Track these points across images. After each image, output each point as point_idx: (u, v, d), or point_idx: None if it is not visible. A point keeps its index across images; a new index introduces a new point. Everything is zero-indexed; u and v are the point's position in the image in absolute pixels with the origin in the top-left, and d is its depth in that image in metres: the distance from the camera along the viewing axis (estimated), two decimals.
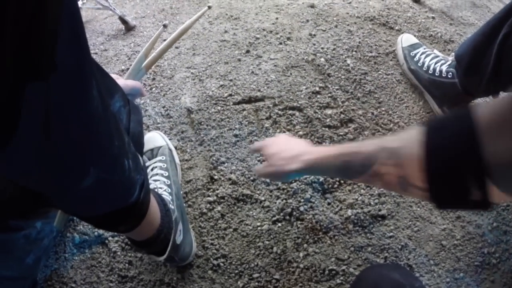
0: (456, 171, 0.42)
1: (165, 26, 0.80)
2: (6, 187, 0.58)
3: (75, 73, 0.37)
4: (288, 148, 0.69)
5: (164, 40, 0.86)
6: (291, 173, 0.65)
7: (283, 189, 0.93)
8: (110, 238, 0.90)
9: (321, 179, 0.94)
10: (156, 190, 0.82)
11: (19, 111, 0.33)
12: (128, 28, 1.33)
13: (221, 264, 0.86)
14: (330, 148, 0.61)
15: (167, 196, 0.81)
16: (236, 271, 0.85)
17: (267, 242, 0.88)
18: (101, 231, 0.91)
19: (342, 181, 0.96)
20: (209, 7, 0.85)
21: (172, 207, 0.79)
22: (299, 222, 0.90)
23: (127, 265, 0.87)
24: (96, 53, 1.28)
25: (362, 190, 0.95)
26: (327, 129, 1.02)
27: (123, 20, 1.31)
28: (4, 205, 0.66)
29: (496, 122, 0.40)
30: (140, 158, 0.59)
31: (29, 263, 0.84)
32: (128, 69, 0.78)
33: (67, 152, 0.40)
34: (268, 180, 0.93)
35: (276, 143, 0.73)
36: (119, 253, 0.88)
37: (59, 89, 0.35)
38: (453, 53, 1.03)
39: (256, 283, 0.84)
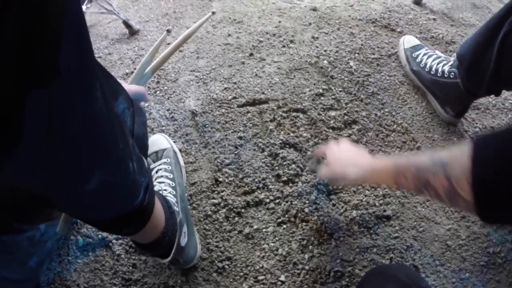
0: (502, 185, 0.43)
1: (168, 31, 0.79)
2: (10, 190, 0.57)
3: (78, 75, 0.36)
4: (349, 154, 0.74)
5: (168, 44, 0.85)
6: (350, 178, 0.70)
7: (288, 191, 0.92)
8: (114, 241, 0.88)
9: (326, 180, 0.93)
10: (160, 192, 0.80)
11: (23, 117, 0.32)
12: (132, 32, 1.32)
13: (226, 267, 0.84)
14: (385, 158, 0.65)
15: (171, 198, 0.80)
16: (241, 273, 0.84)
17: (272, 244, 0.86)
18: (105, 234, 0.89)
19: None
20: (213, 13, 0.84)
21: (177, 209, 0.78)
22: (304, 223, 0.88)
23: (131, 268, 0.86)
24: (100, 57, 1.27)
25: (366, 191, 0.94)
26: (331, 130, 1.01)
27: (127, 24, 1.30)
28: (8, 209, 0.65)
29: None
30: (145, 160, 0.57)
31: (32, 265, 0.83)
32: (132, 72, 0.77)
33: (70, 154, 0.39)
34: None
35: (339, 148, 0.78)
36: (123, 256, 0.87)
37: (61, 91, 0.34)
38: (454, 54, 1.02)
39: (261, 286, 0.83)
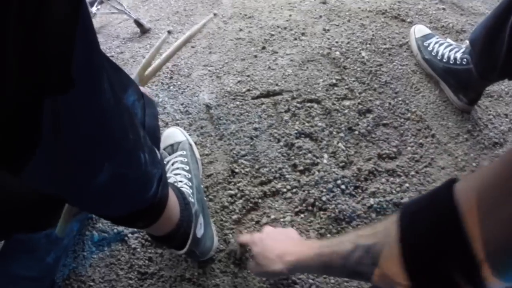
0: (440, 268, 0.36)
1: (169, 32, 0.78)
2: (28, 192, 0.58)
3: (85, 68, 0.35)
4: (272, 245, 0.67)
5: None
6: (277, 274, 0.64)
7: (305, 180, 0.90)
8: (129, 235, 0.87)
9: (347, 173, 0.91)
10: (176, 184, 0.79)
11: (40, 122, 0.32)
12: (143, 30, 1.32)
13: (244, 258, 0.83)
14: (310, 247, 0.57)
15: (187, 190, 0.78)
16: None
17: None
18: (120, 228, 0.88)
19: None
20: (215, 15, 0.83)
21: (192, 200, 0.76)
22: (321, 212, 0.86)
23: (147, 261, 0.84)
24: (112, 56, 1.27)
25: (383, 179, 0.92)
26: (345, 118, 0.99)
27: (138, 23, 1.30)
28: (26, 211, 0.65)
29: (480, 199, 0.34)
30: (157, 152, 0.56)
31: (50, 262, 0.82)
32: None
33: (79, 149, 0.38)
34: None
35: (262, 239, 0.70)
36: (138, 249, 0.86)
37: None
38: (466, 41, 1.01)
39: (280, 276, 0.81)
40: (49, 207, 0.72)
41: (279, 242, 0.67)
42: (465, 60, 0.99)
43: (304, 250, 0.59)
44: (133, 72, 1.17)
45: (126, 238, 0.87)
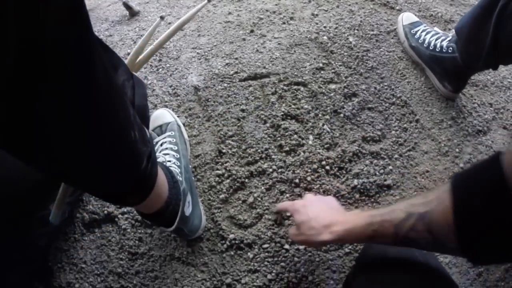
0: (491, 233, 0.41)
1: (162, 18, 0.77)
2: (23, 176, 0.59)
3: (77, 47, 0.36)
4: (318, 215, 0.66)
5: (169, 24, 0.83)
6: (324, 243, 0.64)
7: (291, 161, 0.92)
8: (119, 216, 0.88)
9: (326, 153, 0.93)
10: (165, 163, 0.80)
11: (38, 108, 0.34)
12: (133, 13, 1.30)
13: (231, 236, 0.85)
14: (359, 216, 0.59)
15: (175, 169, 0.80)
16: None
17: (276, 214, 0.86)
18: (110, 209, 0.89)
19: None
20: (209, 1, 0.82)
21: (180, 178, 0.78)
22: (306, 192, 0.88)
23: (137, 242, 0.86)
24: (101, 39, 1.26)
25: (367, 161, 0.94)
26: (331, 101, 1.00)
27: (127, 6, 1.28)
28: (25, 194, 0.66)
29: None
30: (147, 130, 0.57)
31: (42, 245, 0.83)
32: None
33: (73, 126, 0.39)
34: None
35: (305, 207, 0.70)
36: (129, 230, 0.87)
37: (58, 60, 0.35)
38: (453, 30, 1.02)
39: (266, 253, 0.83)
40: (44, 191, 0.73)
41: (324, 211, 0.67)
42: (450, 48, 1.01)
43: (352, 219, 0.60)
44: (122, 55, 1.16)
45: (116, 219, 0.88)
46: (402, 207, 0.52)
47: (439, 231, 0.46)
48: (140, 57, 0.73)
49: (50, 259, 0.86)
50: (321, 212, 0.67)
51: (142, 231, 0.87)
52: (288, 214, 0.85)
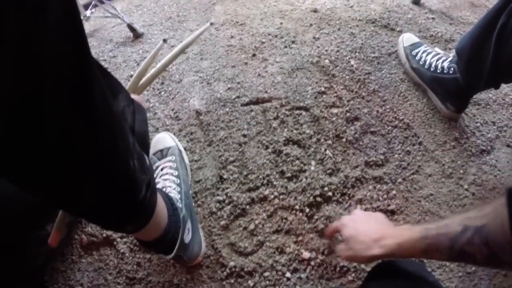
0: None
1: (165, 41, 0.78)
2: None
3: (74, 73, 0.35)
4: (367, 229, 0.64)
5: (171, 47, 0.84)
6: (375, 259, 0.62)
7: (293, 187, 0.91)
8: (118, 240, 0.87)
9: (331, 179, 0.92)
10: (164, 189, 0.79)
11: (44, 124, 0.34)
12: (136, 35, 1.32)
13: (232, 264, 0.83)
14: (412, 230, 0.57)
15: (175, 195, 0.79)
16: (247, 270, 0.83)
17: (280, 241, 0.85)
18: (109, 233, 0.88)
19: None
20: (211, 24, 0.83)
21: (180, 205, 0.77)
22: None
23: (135, 266, 0.84)
24: (105, 60, 1.27)
25: (370, 186, 0.93)
26: (333, 126, 1.00)
27: (131, 28, 1.30)
28: (25, 214, 0.66)
29: None
30: (146, 158, 0.56)
31: (38, 264, 0.82)
32: None
33: (67, 154, 0.38)
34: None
35: (354, 221, 0.69)
36: (127, 254, 0.86)
37: (60, 91, 0.35)
38: (453, 50, 1.02)
39: (267, 282, 0.81)
40: (43, 210, 0.73)
41: (373, 225, 0.65)
42: (452, 69, 1.01)
43: (405, 233, 0.58)
44: (125, 76, 1.17)
45: (115, 242, 0.87)
46: (458, 220, 0.51)
47: (496, 244, 0.45)
48: (143, 79, 0.73)
49: (46, 279, 0.85)
50: (371, 226, 0.65)
51: (141, 256, 0.86)
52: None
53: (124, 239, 0.87)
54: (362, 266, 0.84)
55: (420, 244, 0.54)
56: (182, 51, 0.77)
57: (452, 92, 1.03)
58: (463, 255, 0.50)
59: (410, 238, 0.56)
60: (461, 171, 0.99)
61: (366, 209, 0.89)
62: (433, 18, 1.34)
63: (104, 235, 0.88)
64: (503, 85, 1.17)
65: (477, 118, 1.11)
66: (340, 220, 0.72)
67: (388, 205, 0.91)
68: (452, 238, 0.50)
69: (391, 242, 0.59)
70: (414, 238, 0.55)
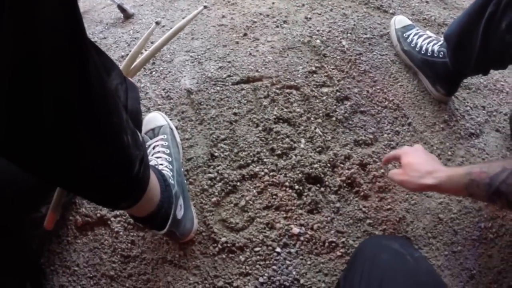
0: None
1: (157, 23, 0.78)
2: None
3: (69, 51, 0.36)
4: (424, 161, 0.73)
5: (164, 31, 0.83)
6: (425, 186, 0.69)
7: (282, 164, 0.92)
8: (112, 219, 0.88)
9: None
10: (157, 166, 0.81)
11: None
12: (127, 16, 1.31)
13: (223, 239, 0.85)
14: (459, 168, 0.66)
15: (167, 172, 0.80)
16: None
17: (270, 216, 0.87)
18: (103, 212, 0.89)
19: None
20: (205, 7, 0.83)
21: (172, 181, 0.78)
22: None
23: (129, 244, 0.86)
24: (95, 41, 1.26)
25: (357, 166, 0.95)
26: (323, 105, 1.01)
27: (121, 8, 1.29)
28: (20, 197, 0.67)
29: None
30: (139, 134, 0.57)
31: (34, 247, 0.83)
32: (128, 55, 0.77)
33: (65, 129, 0.39)
34: None
35: (414, 152, 0.77)
36: (121, 233, 0.87)
37: (56, 70, 0.35)
38: None
39: (258, 257, 0.83)
40: (37, 193, 0.73)
41: (430, 160, 0.73)
42: (442, 53, 1.02)
43: (453, 169, 0.67)
44: (115, 57, 1.17)
45: (109, 222, 0.88)
46: (499, 163, 0.59)
47: None
48: (135, 62, 0.73)
49: (42, 262, 0.86)
50: (428, 160, 0.73)
51: (135, 234, 0.87)
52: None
53: (118, 218, 0.88)
54: (350, 242, 0.86)
55: (464, 178, 0.63)
56: (175, 34, 0.77)
57: (441, 76, 1.04)
58: (498, 194, 0.57)
59: (457, 173, 0.65)
60: (449, 153, 1.02)
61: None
62: (427, 2, 1.34)
63: (99, 215, 0.89)
64: (494, 71, 1.19)
65: (467, 102, 1.12)
66: (402, 148, 0.81)
67: (377, 183, 0.93)
68: (492, 176, 0.58)
69: (442, 175, 0.67)
70: (460, 173, 0.64)
